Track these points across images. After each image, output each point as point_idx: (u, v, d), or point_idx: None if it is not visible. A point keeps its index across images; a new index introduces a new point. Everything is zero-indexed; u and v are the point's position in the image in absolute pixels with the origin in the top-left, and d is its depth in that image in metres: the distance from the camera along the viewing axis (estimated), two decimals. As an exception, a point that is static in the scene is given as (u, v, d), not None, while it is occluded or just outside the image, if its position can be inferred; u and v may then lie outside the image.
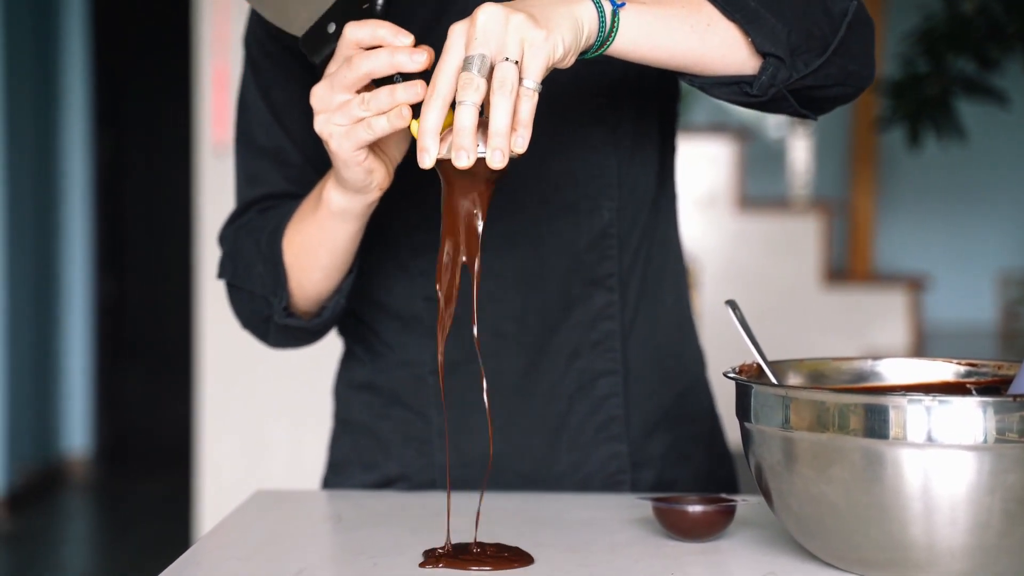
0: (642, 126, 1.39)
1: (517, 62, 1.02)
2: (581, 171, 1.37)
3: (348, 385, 1.47)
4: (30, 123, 5.73)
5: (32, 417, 5.74)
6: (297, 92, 1.38)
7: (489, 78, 1.03)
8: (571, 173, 1.36)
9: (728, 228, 4.82)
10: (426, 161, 1.03)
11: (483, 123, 1.04)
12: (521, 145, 1.03)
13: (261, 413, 3.94)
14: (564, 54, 1.05)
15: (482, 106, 1.03)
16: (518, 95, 1.02)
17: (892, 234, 5.82)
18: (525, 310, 1.37)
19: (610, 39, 1.10)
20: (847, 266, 5.26)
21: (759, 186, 5.45)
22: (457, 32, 1.04)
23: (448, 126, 1.05)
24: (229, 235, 1.41)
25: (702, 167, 4.81)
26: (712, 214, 4.81)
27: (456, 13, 1.32)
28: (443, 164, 1.06)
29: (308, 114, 1.38)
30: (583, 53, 1.09)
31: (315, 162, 1.39)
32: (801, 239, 4.80)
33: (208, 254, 3.90)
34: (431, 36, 1.33)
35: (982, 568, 1.00)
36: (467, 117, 1.02)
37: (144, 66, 6.44)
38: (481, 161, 1.04)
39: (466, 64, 1.02)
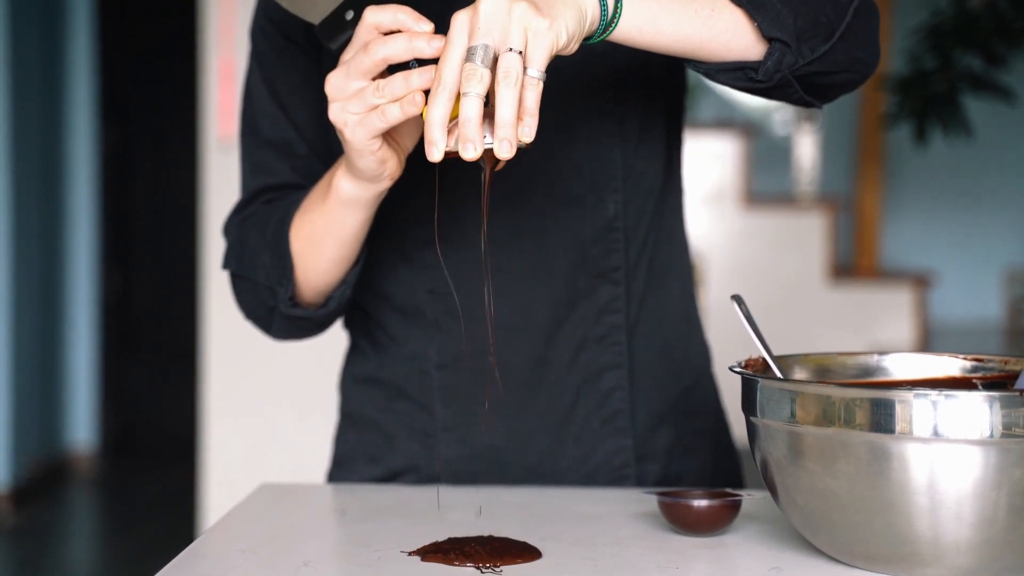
0: (648, 119, 1.39)
1: (521, 52, 1.02)
2: (587, 164, 1.37)
3: (353, 379, 1.47)
4: (36, 117, 5.73)
5: (37, 411, 5.74)
6: (302, 83, 1.38)
7: (493, 68, 1.02)
8: (577, 166, 1.36)
9: (734, 224, 4.82)
10: (434, 154, 1.03)
11: (489, 114, 1.03)
12: (528, 134, 1.02)
13: (266, 407, 3.94)
14: (567, 41, 1.05)
15: (488, 97, 1.03)
16: (523, 84, 1.02)
17: (898, 230, 5.82)
18: (531, 303, 1.37)
19: (613, 24, 1.10)
20: (853, 262, 5.25)
21: (765, 182, 5.44)
22: (460, 22, 1.04)
23: (455, 118, 1.05)
24: (234, 226, 1.41)
25: (709, 163, 4.80)
26: (718, 210, 4.81)
27: (463, 2, 1.32)
28: (451, 156, 1.06)
29: (313, 105, 1.38)
30: (586, 39, 1.09)
31: (320, 153, 1.39)
32: (807, 235, 4.79)
33: (214, 248, 3.91)
34: (439, 25, 1.33)
35: (988, 563, 1.00)
36: (472, 108, 1.01)
37: (150, 60, 6.44)
38: (489, 152, 1.04)
39: (469, 55, 1.02)
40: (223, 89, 3.90)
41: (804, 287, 4.77)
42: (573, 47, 1.06)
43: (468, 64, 1.02)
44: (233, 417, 3.95)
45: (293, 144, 1.39)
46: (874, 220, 5.18)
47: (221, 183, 3.87)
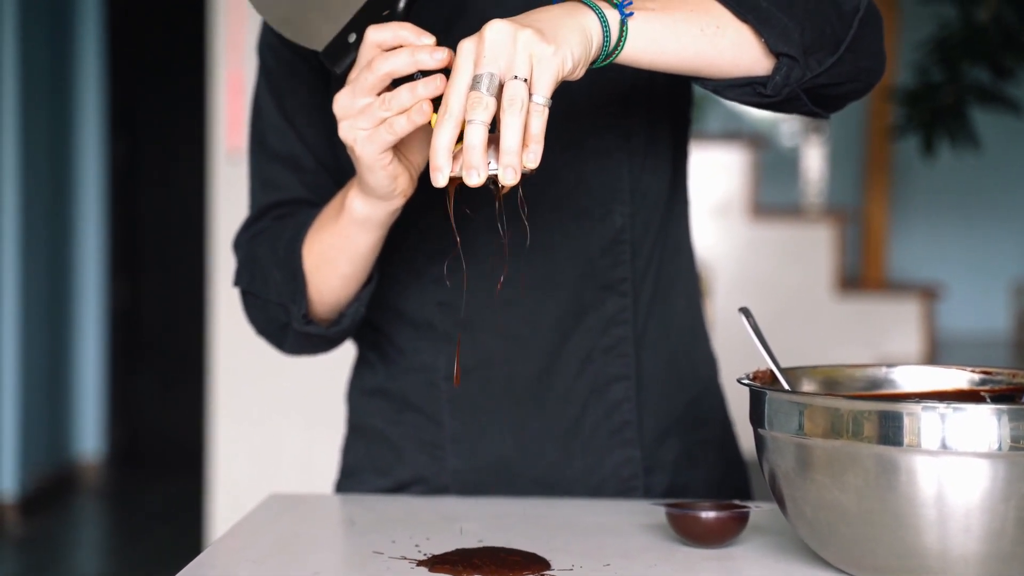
0: (655, 132, 1.40)
1: (526, 79, 1.02)
2: (594, 177, 1.37)
3: (361, 391, 1.48)
4: (45, 129, 5.74)
5: (45, 421, 5.75)
6: (310, 98, 1.38)
7: (499, 95, 1.03)
8: (584, 179, 1.37)
9: (741, 236, 4.82)
10: (439, 180, 1.04)
11: (495, 139, 1.04)
12: (533, 161, 1.03)
13: (274, 417, 3.94)
14: (573, 67, 1.06)
15: (494, 123, 1.04)
16: (528, 111, 1.03)
17: (906, 243, 5.81)
18: (538, 315, 1.37)
19: (618, 48, 1.10)
20: (860, 274, 5.25)
21: (773, 194, 5.44)
22: (466, 50, 1.04)
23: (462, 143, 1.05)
24: (244, 242, 1.41)
25: (716, 175, 4.80)
26: (725, 222, 4.81)
27: (468, 18, 1.33)
28: (456, 182, 1.06)
29: (321, 119, 1.39)
30: (593, 63, 1.09)
31: (328, 167, 1.40)
32: (814, 247, 4.79)
33: (222, 259, 3.91)
34: (444, 42, 1.33)
35: (996, 576, 1.00)
36: (476, 135, 1.02)
37: (158, 73, 6.46)
38: (493, 178, 1.04)
39: (475, 83, 1.03)
40: (231, 101, 3.90)
41: (811, 299, 4.76)
42: (580, 72, 1.07)
43: (473, 92, 1.02)
44: (240, 426, 3.95)
45: (301, 158, 1.40)
46: (881, 232, 5.18)
47: (229, 194, 3.87)
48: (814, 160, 5.35)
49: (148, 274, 6.53)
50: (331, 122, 1.39)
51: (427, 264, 1.38)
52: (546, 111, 1.03)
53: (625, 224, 1.38)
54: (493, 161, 1.04)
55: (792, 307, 4.72)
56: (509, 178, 1.02)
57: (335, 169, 1.40)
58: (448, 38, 1.32)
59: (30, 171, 5.51)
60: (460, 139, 1.04)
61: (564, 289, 1.37)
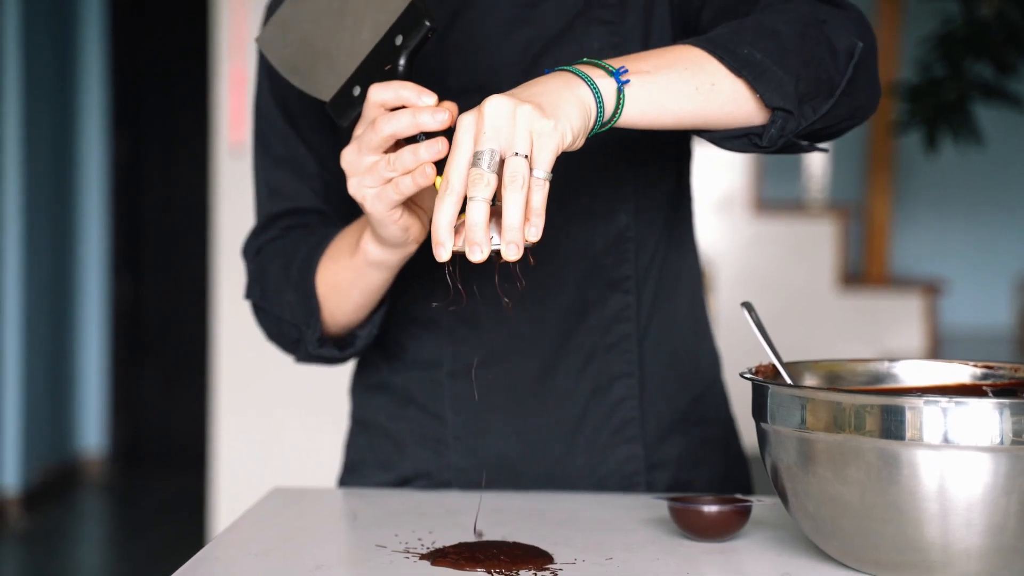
0: (658, 132, 1.40)
1: (527, 155, 1.02)
2: (598, 177, 1.37)
3: (364, 386, 1.48)
4: (48, 124, 5.75)
5: (48, 416, 5.76)
6: (311, 100, 1.38)
7: (500, 169, 1.03)
8: (588, 179, 1.37)
9: (744, 231, 4.82)
10: (442, 255, 1.04)
11: (496, 212, 1.04)
12: (535, 235, 1.03)
13: (276, 412, 3.95)
14: (573, 140, 1.06)
15: (496, 196, 1.03)
16: (529, 187, 1.02)
17: (908, 238, 5.81)
18: (542, 313, 1.37)
19: (616, 115, 1.10)
20: (863, 270, 5.25)
21: (775, 189, 5.44)
22: (465, 125, 1.04)
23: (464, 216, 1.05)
24: (253, 252, 1.41)
25: (718, 170, 4.80)
26: (728, 217, 4.81)
27: (473, 10, 1.32)
28: (460, 254, 1.06)
29: (325, 122, 1.39)
30: (591, 130, 1.09)
31: (332, 170, 1.40)
32: (817, 243, 4.79)
33: (225, 255, 3.91)
34: (450, 36, 1.33)
35: (998, 570, 1.00)
36: (478, 213, 1.02)
37: (161, 68, 6.46)
38: (496, 251, 1.04)
39: (476, 159, 1.02)
40: (234, 96, 3.91)
41: (814, 294, 4.76)
42: (579, 143, 1.07)
43: (474, 169, 1.02)
44: (243, 422, 3.96)
45: (305, 162, 1.40)
46: (884, 227, 5.18)
47: (232, 189, 3.87)
48: (817, 155, 5.35)
49: (151, 270, 6.53)
50: (335, 124, 1.38)
51: (431, 261, 1.38)
52: (547, 185, 1.03)
53: (629, 222, 1.38)
54: (495, 235, 1.04)
55: (795, 302, 4.72)
56: (512, 254, 1.02)
57: (339, 172, 1.40)
58: (453, 31, 1.32)
59: (33, 167, 5.52)
60: (462, 210, 1.04)
61: (568, 287, 1.37)
